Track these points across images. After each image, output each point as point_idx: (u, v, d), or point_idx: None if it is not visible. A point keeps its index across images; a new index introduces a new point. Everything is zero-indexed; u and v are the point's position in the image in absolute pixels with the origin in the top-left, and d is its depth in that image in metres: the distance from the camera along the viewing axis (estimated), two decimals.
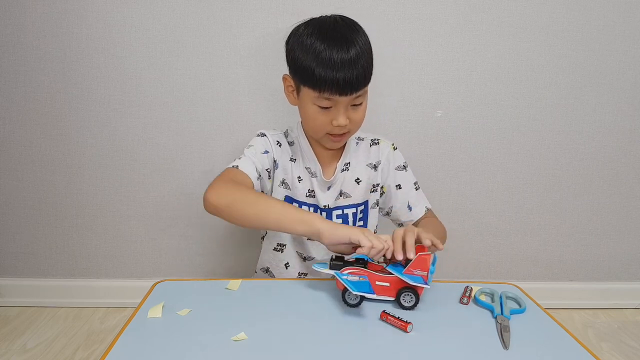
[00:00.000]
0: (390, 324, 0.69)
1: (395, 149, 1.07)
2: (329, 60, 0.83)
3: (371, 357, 0.62)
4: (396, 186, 1.05)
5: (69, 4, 1.26)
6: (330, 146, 0.98)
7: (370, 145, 1.06)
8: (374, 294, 0.74)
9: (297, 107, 0.97)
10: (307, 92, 0.89)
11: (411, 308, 0.74)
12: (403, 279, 0.73)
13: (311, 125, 0.95)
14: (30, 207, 1.42)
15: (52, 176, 1.39)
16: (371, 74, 0.90)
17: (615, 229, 1.55)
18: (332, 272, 0.75)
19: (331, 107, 0.88)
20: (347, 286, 0.72)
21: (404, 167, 1.07)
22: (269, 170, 0.99)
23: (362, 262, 0.77)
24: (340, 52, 0.83)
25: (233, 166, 0.95)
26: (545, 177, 1.48)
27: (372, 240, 0.74)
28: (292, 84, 0.94)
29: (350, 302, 0.73)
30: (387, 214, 1.09)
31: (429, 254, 0.74)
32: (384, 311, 0.71)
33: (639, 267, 1.60)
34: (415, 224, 1.04)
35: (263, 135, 1.02)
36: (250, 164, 0.95)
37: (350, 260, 0.77)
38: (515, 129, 1.43)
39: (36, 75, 1.31)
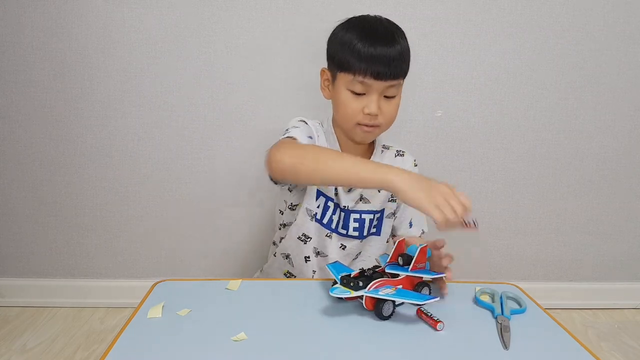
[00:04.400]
0: (424, 320, 0.70)
1: (415, 165, 1.07)
2: (369, 38, 0.86)
3: (371, 357, 0.62)
4: None
5: (69, 4, 1.26)
6: (360, 139, 0.96)
7: (395, 156, 1.06)
8: (435, 298, 0.70)
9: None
10: (342, 78, 0.90)
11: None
12: (420, 275, 0.74)
13: (342, 113, 0.93)
14: (30, 207, 1.42)
15: (52, 176, 1.39)
16: (407, 69, 0.92)
17: (615, 229, 1.55)
18: (361, 293, 0.70)
19: (364, 93, 0.89)
20: (404, 301, 0.69)
21: None
22: None
23: (365, 273, 0.75)
24: (380, 37, 0.87)
25: (288, 137, 0.89)
26: (545, 177, 1.48)
27: (447, 214, 0.68)
28: (329, 76, 0.95)
29: (385, 314, 0.70)
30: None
31: (426, 246, 0.76)
32: (419, 308, 0.72)
33: (639, 267, 1.60)
34: None
35: (305, 122, 0.98)
36: (304, 137, 0.91)
37: (354, 274, 0.74)
38: (515, 129, 1.43)
39: (36, 75, 1.31)
